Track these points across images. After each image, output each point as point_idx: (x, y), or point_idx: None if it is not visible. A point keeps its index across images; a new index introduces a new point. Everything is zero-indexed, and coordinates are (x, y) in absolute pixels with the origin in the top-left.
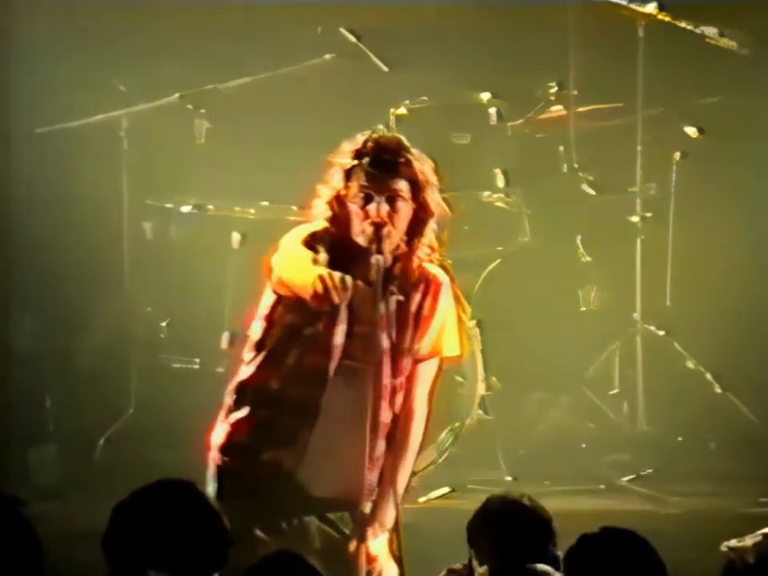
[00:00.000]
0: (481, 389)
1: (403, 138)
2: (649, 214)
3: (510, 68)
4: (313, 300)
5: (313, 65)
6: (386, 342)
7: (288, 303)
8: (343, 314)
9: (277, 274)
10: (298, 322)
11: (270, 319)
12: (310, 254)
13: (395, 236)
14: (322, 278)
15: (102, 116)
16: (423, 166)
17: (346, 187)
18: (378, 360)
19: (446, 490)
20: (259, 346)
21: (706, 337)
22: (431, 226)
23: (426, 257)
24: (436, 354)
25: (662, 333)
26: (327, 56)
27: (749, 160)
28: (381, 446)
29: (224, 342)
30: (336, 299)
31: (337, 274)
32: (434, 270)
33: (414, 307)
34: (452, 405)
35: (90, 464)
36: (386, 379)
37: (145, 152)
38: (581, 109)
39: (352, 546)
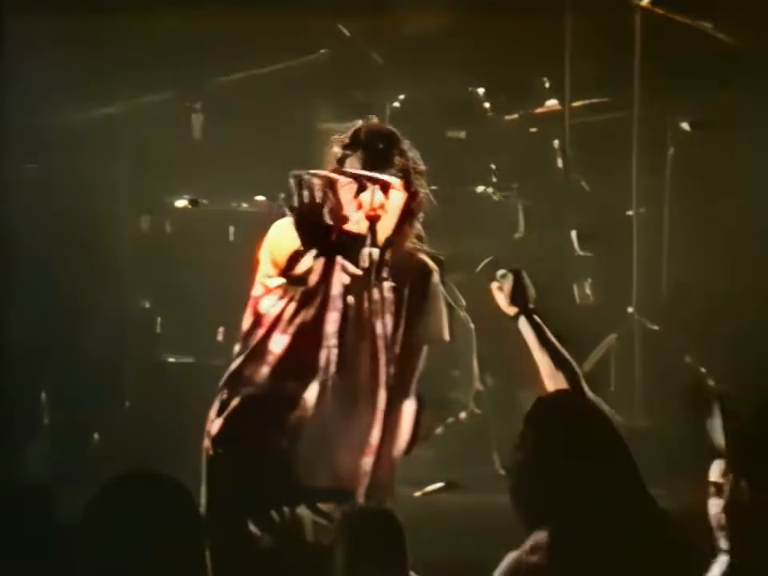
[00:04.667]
0: (475, 384)
1: (395, 130)
2: (644, 209)
3: (505, 62)
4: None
5: (309, 60)
6: (380, 329)
7: (277, 292)
8: (336, 302)
9: (268, 256)
10: (288, 311)
11: (258, 311)
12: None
13: (388, 224)
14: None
15: (98, 110)
16: (415, 156)
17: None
18: (372, 347)
19: (440, 484)
20: (249, 338)
21: (702, 331)
22: (420, 216)
23: (414, 246)
24: (430, 341)
25: (657, 327)
26: (322, 51)
27: (744, 154)
28: (376, 433)
29: (220, 336)
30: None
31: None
32: (425, 258)
33: (407, 294)
34: (446, 400)
35: (85, 458)
36: (379, 367)
37: (141, 146)
38: (576, 103)
39: None
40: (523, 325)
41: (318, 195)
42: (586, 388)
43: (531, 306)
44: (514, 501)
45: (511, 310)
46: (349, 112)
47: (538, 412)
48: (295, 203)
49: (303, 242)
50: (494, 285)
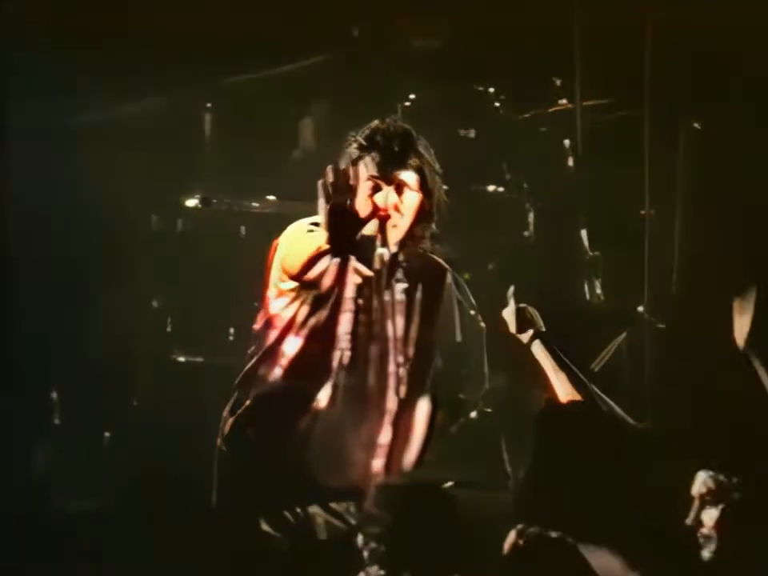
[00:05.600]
0: (485, 383)
1: (411, 128)
2: (656, 208)
3: (515, 62)
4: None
5: (319, 60)
6: (391, 330)
7: (291, 295)
8: (348, 303)
9: (280, 261)
10: (302, 313)
11: (273, 312)
12: (317, 236)
13: (401, 226)
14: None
15: (108, 110)
16: (430, 156)
17: (355, 176)
18: (384, 348)
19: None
20: (263, 339)
21: (712, 330)
22: (434, 216)
23: (430, 246)
24: (442, 341)
25: (665, 326)
26: (332, 52)
27: (757, 153)
28: (386, 433)
29: (231, 336)
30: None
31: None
32: (438, 259)
33: (420, 296)
34: (457, 399)
35: (95, 457)
36: (392, 367)
37: (151, 145)
38: (587, 102)
39: (359, 537)
40: (537, 348)
41: (353, 181)
42: (604, 404)
43: (543, 329)
44: (522, 508)
45: (525, 336)
46: (360, 112)
47: (550, 420)
48: (330, 190)
49: (330, 232)
50: (506, 311)
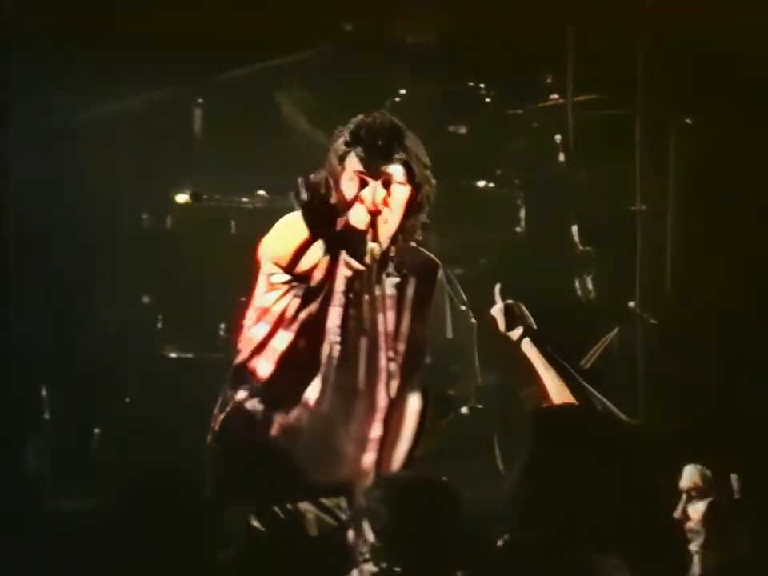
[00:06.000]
0: (476, 379)
1: (397, 120)
2: (647, 204)
3: (507, 58)
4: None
5: (309, 55)
6: (381, 325)
7: (282, 289)
8: (339, 297)
9: (271, 254)
10: (292, 308)
11: (263, 306)
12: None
13: (392, 221)
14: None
15: (99, 106)
16: (417, 148)
17: (342, 171)
18: (374, 343)
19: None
20: (253, 334)
21: (704, 326)
22: (425, 208)
23: (422, 238)
24: (433, 336)
25: (660, 322)
26: (325, 46)
27: (749, 149)
28: (377, 429)
29: (222, 332)
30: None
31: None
32: (430, 254)
33: (411, 291)
34: (447, 396)
35: (86, 453)
36: (383, 362)
37: (142, 142)
38: (579, 98)
39: (349, 533)
40: (527, 346)
41: (324, 189)
42: (596, 400)
43: (533, 326)
44: (516, 507)
45: (515, 334)
46: (350, 107)
47: (544, 418)
48: (303, 197)
49: (311, 232)
50: (494, 309)
